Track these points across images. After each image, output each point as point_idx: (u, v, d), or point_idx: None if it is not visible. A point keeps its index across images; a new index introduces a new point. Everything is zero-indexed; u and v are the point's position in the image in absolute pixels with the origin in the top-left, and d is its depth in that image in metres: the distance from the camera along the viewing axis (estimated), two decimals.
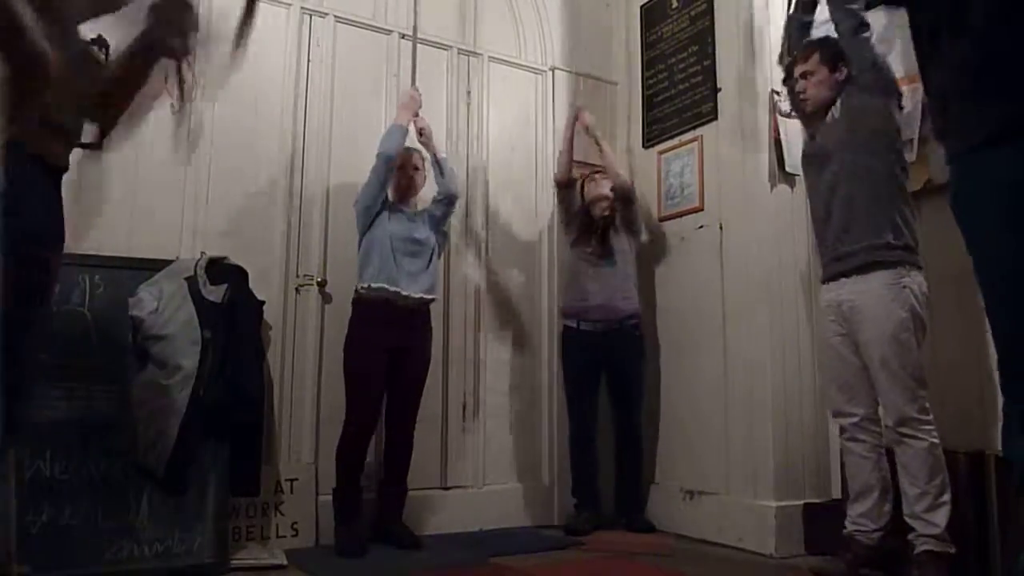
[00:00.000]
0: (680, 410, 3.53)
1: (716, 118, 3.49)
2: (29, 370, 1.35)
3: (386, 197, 3.11)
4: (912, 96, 2.80)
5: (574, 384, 3.52)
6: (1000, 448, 1.22)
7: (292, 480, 2.97)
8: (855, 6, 2.55)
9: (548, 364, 3.70)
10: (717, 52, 3.51)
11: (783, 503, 2.99)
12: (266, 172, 3.18)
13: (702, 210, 3.52)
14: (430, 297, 3.10)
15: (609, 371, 3.51)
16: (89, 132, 1.54)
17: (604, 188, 3.56)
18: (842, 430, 2.64)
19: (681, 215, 3.63)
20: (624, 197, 3.56)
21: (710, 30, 3.56)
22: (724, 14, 3.50)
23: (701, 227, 3.51)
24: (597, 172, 3.65)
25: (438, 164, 3.21)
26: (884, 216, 2.48)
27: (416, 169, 3.19)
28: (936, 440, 2.38)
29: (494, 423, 3.58)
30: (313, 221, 3.25)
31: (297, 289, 3.18)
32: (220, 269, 2.76)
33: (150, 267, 2.68)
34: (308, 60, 3.33)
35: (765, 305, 3.16)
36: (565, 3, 4.07)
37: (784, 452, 3.05)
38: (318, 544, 2.96)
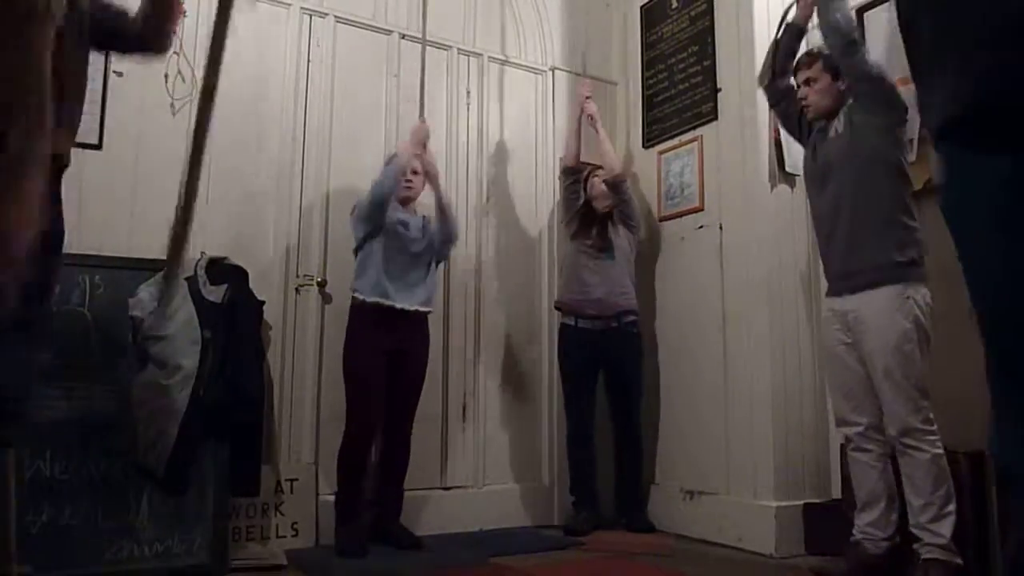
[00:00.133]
0: (680, 410, 3.53)
1: (716, 118, 3.49)
2: (30, 370, 1.35)
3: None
4: (911, 95, 2.79)
5: (572, 382, 3.52)
6: None
7: (292, 480, 2.97)
8: (842, 24, 2.52)
9: (548, 364, 3.70)
10: (717, 52, 3.52)
11: (783, 503, 2.99)
12: (266, 172, 3.18)
13: (702, 210, 3.52)
14: (425, 310, 3.10)
15: (607, 369, 3.51)
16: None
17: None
18: (847, 440, 2.62)
19: (681, 215, 3.63)
20: (614, 187, 3.56)
21: (710, 30, 3.56)
22: (724, 14, 3.50)
23: (701, 227, 3.51)
24: (600, 168, 3.66)
25: (441, 208, 3.17)
26: (889, 234, 2.48)
27: (415, 173, 3.16)
28: (940, 451, 2.37)
29: (494, 423, 3.58)
30: (313, 221, 3.25)
31: (297, 289, 3.18)
32: (220, 269, 2.77)
33: (150, 267, 2.68)
34: (308, 60, 3.33)
35: (765, 305, 3.16)
36: (565, 3, 4.08)
37: (784, 452, 3.05)
38: (318, 544, 2.96)
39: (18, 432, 1.30)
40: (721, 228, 3.40)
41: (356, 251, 3.07)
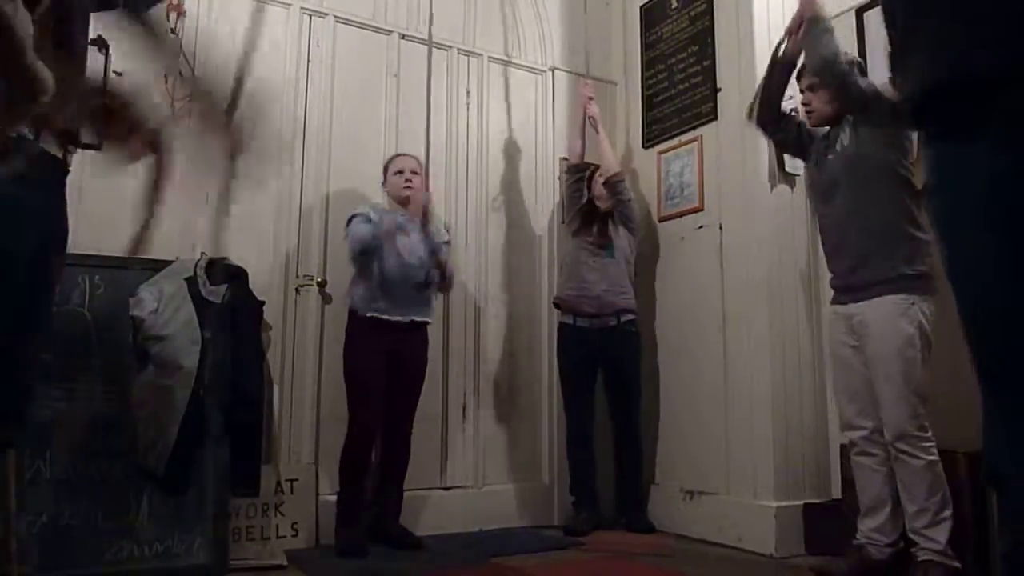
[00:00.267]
0: (680, 410, 3.53)
1: (716, 118, 3.49)
2: (31, 370, 1.35)
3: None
4: None
5: (570, 381, 3.52)
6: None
7: (292, 480, 2.97)
8: (831, 61, 2.48)
9: (548, 364, 3.70)
10: (717, 52, 3.51)
11: (783, 503, 2.99)
12: (266, 172, 3.18)
13: (702, 210, 3.52)
14: (421, 320, 3.09)
15: (605, 368, 3.51)
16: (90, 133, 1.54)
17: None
18: (852, 444, 2.61)
19: (681, 215, 3.63)
20: (611, 187, 3.56)
21: (710, 30, 3.56)
22: (724, 14, 3.50)
23: (701, 227, 3.51)
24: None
25: (440, 264, 3.11)
26: (898, 247, 2.47)
27: (415, 173, 3.15)
28: (935, 457, 2.37)
29: (493, 423, 3.58)
30: (313, 221, 3.25)
31: (297, 289, 3.18)
32: (220, 269, 2.76)
33: (150, 267, 2.69)
34: (308, 60, 3.33)
35: (765, 305, 3.16)
36: (565, 3, 4.08)
37: (784, 452, 3.05)
38: (318, 544, 2.96)
39: (18, 432, 1.30)
40: (721, 228, 3.40)
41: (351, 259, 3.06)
